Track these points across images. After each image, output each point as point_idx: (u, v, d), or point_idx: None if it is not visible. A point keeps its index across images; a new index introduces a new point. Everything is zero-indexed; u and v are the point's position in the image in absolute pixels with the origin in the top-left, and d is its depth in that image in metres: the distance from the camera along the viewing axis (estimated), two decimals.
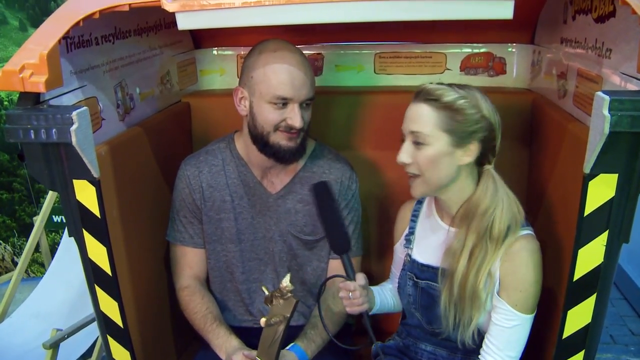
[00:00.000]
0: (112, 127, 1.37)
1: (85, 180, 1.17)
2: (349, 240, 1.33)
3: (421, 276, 1.36)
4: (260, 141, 1.40)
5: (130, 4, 1.12)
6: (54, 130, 1.06)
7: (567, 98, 1.40)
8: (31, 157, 1.15)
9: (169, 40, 1.70)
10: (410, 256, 1.40)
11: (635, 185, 1.06)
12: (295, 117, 1.35)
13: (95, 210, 1.20)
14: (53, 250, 3.01)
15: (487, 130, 1.22)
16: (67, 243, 2.74)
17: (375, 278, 1.70)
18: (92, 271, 1.26)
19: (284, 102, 1.35)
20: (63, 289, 2.64)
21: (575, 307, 1.17)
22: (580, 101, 1.29)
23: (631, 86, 1.04)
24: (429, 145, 1.21)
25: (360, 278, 1.30)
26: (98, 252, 1.24)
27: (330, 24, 1.15)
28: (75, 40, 1.21)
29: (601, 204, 1.08)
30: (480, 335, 1.28)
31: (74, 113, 1.06)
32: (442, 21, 1.15)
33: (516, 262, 1.22)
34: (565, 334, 1.19)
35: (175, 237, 1.55)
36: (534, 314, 1.23)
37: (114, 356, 1.35)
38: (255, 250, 1.53)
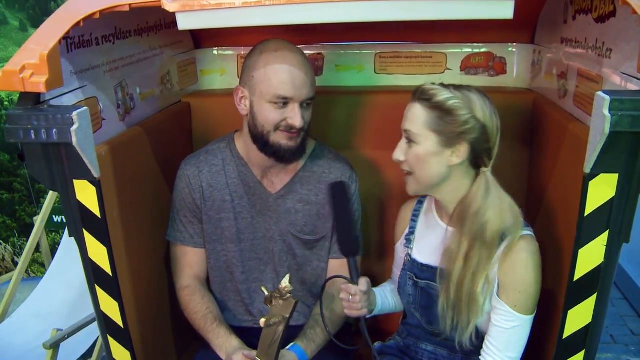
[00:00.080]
0: (113, 127, 1.37)
1: (85, 181, 1.17)
2: (359, 244, 1.34)
3: (421, 276, 1.36)
4: (261, 141, 1.40)
5: (130, 4, 1.12)
6: (54, 130, 1.06)
7: (567, 98, 1.40)
8: (31, 157, 1.15)
9: (169, 40, 1.70)
10: (410, 256, 1.40)
11: (635, 185, 1.06)
12: (295, 116, 1.35)
13: (96, 210, 1.20)
14: (53, 250, 3.01)
15: (479, 132, 1.21)
16: (68, 243, 2.74)
17: (375, 278, 1.69)
18: (92, 271, 1.26)
19: (285, 102, 1.35)
20: (63, 289, 2.64)
21: (576, 307, 1.17)
22: (581, 101, 1.29)
23: (631, 86, 1.04)
24: (419, 145, 1.23)
25: (363, 283, 1.30)
26: (98, 252, 1.24)
27: (331, 24, 1.15)
28: (75, 41, 1.21)
29: (601, 204, 1.08)
30: (479, 337, 1.28)
31: (75, 113, 1.06)
32: (443, 21, 1.15)
33: (515, 263, 1.21)
34: (566, 334, 1.19)
35: (175, 237, 1.55)
36: (533, 315, 1.23)
37: (114, 356, 1.36)
38: (255, 250, 1.54)
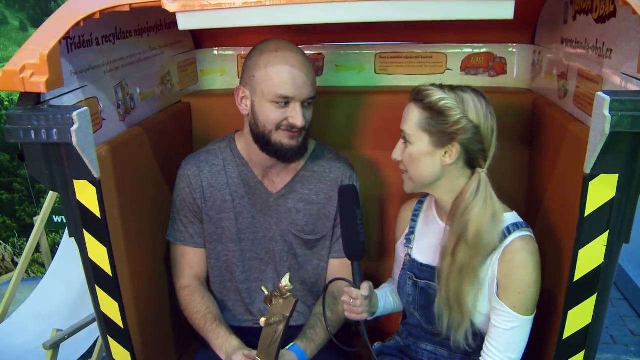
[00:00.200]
0: (113, 127, 1.37)
1: (85, 181, 1.17)
2: (364, 248, 1.34)
3: (420, 276, 1.36)
4: (262, 140, 1.40)
5: (130, 4, 1.12)
6: (54, 130, 1.06)
7: (567, 98, 1.40)
8: (32, 158, 1.15)
9: (169, 41, 1.70)
10: (410, 256, 1.40)
11: (635, 185, 1.06)
12: (297, 116, 1.35)
13: (96, 211, 1.20)
14: (53, 250, 3.01)
15: (471, 133, 1.21)
16: (68, 243, 2.74)
17: (375, 278, 1.69)
18: (92, 271, 1.26)
19: (286, 101, 1.35)
20: (63, 289, 2.64)
21: (576, 308, 1.17)
22: (581, 101, 1.29)
23: (632, 86, 1.04)
24: (412, 144, 1.25)
25: (365, 288, 1.31)
26: (98, 253, 1.24)
27: (331, 24, 1.15)
28: (75, 41, 1.21)
29: (602, 204, 1.08)
30: (475, 337, 1.28)
31: (75, 113, 1.06)
32: (443, 21, 1.15)
33: (514, 264, 1.21)
34: (566, 335, 1.19)
35: (175, 237, 1.55)
36: (533, 315, 1.23)
37: (114, 356, 1.35)
38: (255, 250, 1.54)
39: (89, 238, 1.23)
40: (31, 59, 1.03)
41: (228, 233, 1.52)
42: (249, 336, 1.43)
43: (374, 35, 1.84)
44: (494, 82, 1.83)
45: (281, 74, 1.34)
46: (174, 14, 1.15)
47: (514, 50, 1.80)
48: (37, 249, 2.97)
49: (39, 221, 2.74)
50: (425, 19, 1.12)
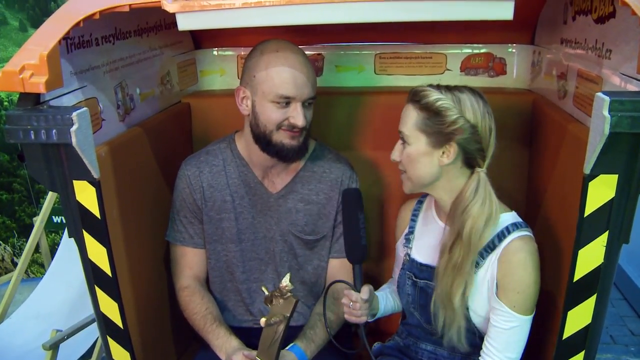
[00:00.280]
0: (112, 127, 1.37)
1: (85, 181, 1.17)
2: (366, 252, 1.34)
3: (420, 275, 1.36)
4: (263, 140, 1.40)
5: (130, 5, 1.12)
6: (54, 130, 1.06)
7: (567, 99, 1.40)
8: (31, 158, 1.14)
9: (169, 41, 1.70)
10: (409, 255, 1.40)
11: (635, 185, 1.06)
12: (297, 115, 1.36)
13: (95, 211, 1.20)
14: (53, 250, 3.01)
15: (468, 133, 1.21)
16: (67, 244, 2.74)
17: (375, 278, 1.70)
18: (92, 272, 1.26)
19: (287, 102, 1.36)
20: (63, 289, 2.65)
21: (576, 308, 1.17)
22: (581, 102, 1.29)
23: (631, 87, 1.04)
24: (410, 145, 1.25)
25: (365, 292, 1.31)
26: (98, 253, 1.24)
27: (331, 24, 1.15)
28: (75, 41, 1.21)
29: (601, 204, 1.08)
30: (468, 337, 1.28)
31: (74, 114, 1.06)
32: (443, 22, 1.15)
33: (513, 264, 1.22)
34: (566, 335, 1.19)
35: (175, 237, 1.55)
36: (532, 315, 1.23)
37: (114, 357, 1.35)
38: (255, 250, 1.54)
39: (88, 238, 1.23)
40: (31, 59, 1.03)
41: (228, 233, 1.52)
42: (249, 336, 1.43)
43: (374, 35, 1.84)
44: (494, 82, 1.83)
45: (282, 74, 1.34)
46: (173, 15, 1.15)
47: (514, 50, 1.81)
48: (37, 249, 2.97)
49: (39, 221, 2.74)
50: (425, 20, 1.12)
